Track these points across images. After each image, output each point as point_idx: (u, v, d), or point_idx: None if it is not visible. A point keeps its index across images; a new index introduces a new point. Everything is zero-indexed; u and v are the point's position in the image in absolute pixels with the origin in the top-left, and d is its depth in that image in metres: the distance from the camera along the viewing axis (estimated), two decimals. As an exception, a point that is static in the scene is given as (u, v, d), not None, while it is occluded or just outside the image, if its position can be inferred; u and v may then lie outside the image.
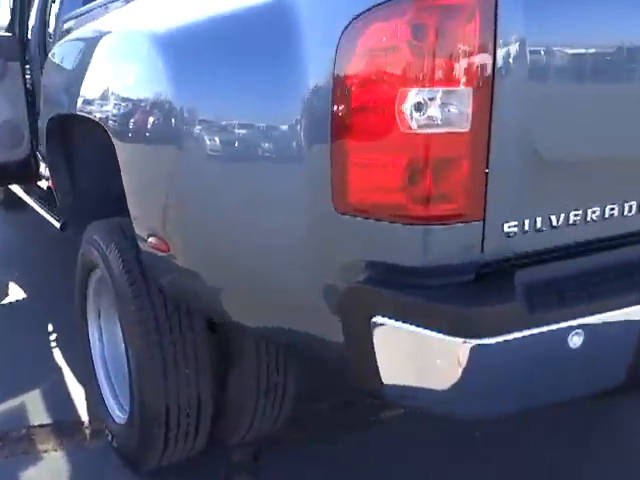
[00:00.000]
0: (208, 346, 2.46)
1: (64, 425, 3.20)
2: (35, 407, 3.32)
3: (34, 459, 2.95)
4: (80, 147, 3.08)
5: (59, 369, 3.65)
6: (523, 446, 2.87)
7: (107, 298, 2.79)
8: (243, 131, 1.89)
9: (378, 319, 1.59)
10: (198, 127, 1.96)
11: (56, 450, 3.01)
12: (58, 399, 3.40)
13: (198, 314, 2.43)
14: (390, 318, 1.58)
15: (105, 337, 3.09)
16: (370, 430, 2.99)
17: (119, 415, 2.82)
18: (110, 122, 2.33)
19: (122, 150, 2.29)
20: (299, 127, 1.66)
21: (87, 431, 3.13)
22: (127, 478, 2.77)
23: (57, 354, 3.79)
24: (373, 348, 1.61)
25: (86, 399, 3.34)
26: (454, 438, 2.85)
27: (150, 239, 2.21)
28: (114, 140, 2.30)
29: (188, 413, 2.48)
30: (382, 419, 3.01)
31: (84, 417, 3.24)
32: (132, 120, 2.24)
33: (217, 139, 1.95)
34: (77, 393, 3.42)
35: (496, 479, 2.69)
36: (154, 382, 2.39)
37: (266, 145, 1.80)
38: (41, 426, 3.19)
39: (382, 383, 1.64)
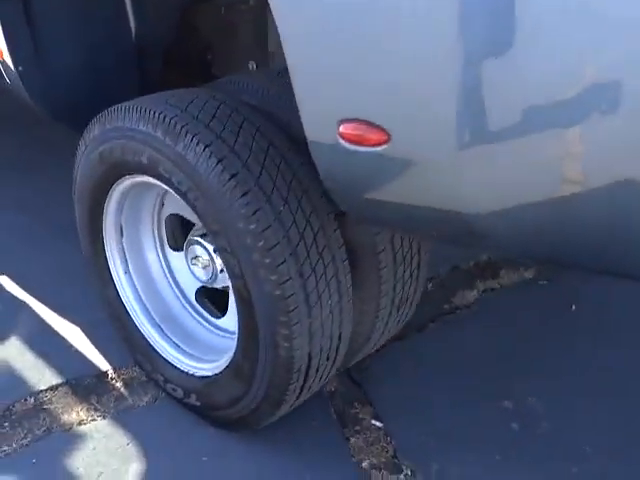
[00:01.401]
0: (349, 272, 1.90)
1: (82, 384, 2.51)
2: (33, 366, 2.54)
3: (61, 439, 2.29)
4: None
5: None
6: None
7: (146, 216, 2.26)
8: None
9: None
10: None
11: (84, 422, 2.34)
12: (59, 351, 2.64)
13: (337, 235, 1.85)
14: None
15: (134, 268, 2.36)
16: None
17: (196, 366, 2.20)
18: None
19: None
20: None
21: (119, 386, 2.48)
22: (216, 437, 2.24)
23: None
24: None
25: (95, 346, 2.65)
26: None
27: (343, 127, 1.49)
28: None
29: (328, 355, 1.95)
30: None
31: (104, 368, 2.56)
32: None
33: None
34: (75, 340, 2.69)
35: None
36: (294, 324, 1.80)
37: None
38: (52, 389, 2.48)
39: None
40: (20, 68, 2.32)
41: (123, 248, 2.34)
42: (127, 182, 2.11)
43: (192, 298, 2.42)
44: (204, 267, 2.19)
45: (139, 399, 2.44)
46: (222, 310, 2.36)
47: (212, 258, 2.14)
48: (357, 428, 2.32)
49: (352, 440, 2.27)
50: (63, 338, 2.71)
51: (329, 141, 1.49)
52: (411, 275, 2.15)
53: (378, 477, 2.15)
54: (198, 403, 2.21)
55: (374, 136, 1.40)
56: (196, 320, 2.39)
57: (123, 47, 2.52)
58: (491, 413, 2.36)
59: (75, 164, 2.25)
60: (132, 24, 2.54)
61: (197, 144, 1.80)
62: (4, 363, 2.59)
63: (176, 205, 2.31)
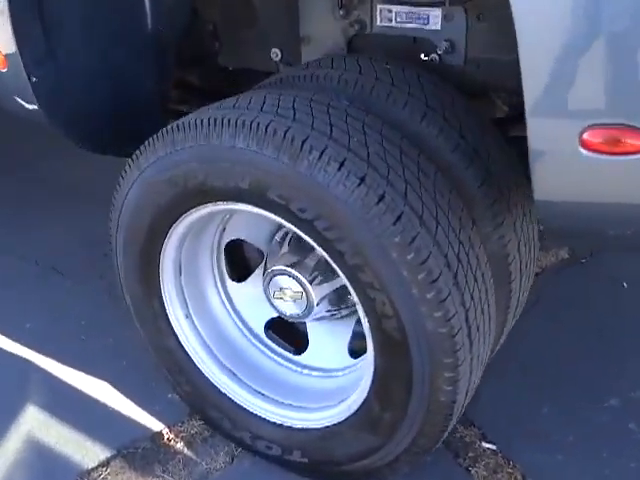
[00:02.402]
0: (493, 292, 1.63)
1: (137, 452, 2.09)
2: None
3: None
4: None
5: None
6: None
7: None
8: None
9: None
10: None
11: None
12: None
13: (482, 251, 1.58)
14: None
15: (196, 310, 1.97)
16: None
17: (295, 417, 1.86)
18: None
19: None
20: None
21: (182, 448, 2.08)
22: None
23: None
24: None
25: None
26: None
27: (587, 135, 1.20)
28: None
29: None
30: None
31: (156, 428, 2.16)
32: None
33: None
34: (109, 398, 2.26)
35: None
36: (460, 364, 1.52)
37: None
38: (103, 465, 2.05)
39: None
40: (33, 79, 1.84)
41: (182, 289, 1.95)
42: (203, 211, 1.73)
43: (263, 335, 2.08)
44: (294, 300, 1.86)
45: (212, 461, 2.07)
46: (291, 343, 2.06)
47: (307, 290, 1.82)
48: (471, 455, 2.07)
49: (473, 471, 2.03)
50: (93, 399, 2.27)
51: (566, 152, 1.22)
52: (527, 282, 1.93)
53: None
54: (304, 460, 1.88)
55: (634, 141, 1.15)
56: (272, 359, 2.04)
57: (141, 42, 2.09)
58: (603, 416, 2.20)
59: (119, 194, 1.83)
60: (148, 14, 2.11)
61: (328, 162, 1.47)
62: (35, 444, 2.12)
63: (242, 229, 1.96)
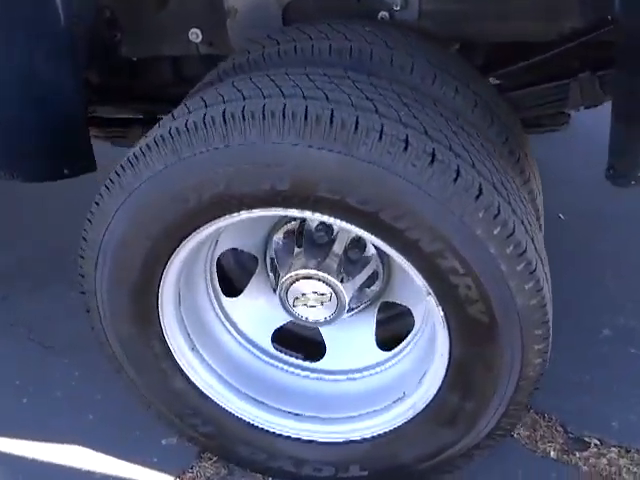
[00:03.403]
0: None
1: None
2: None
3: None
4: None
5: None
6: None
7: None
8: None
9: None
10: None
11: None
12: None
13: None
14: None
15: (199, 339, 1.68)
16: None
17: (342, 430, 1.63)
18: None
19: None
20: None
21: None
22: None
23: None
24: None
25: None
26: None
27: None
28: None
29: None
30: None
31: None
32: None
33: None
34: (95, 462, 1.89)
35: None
36: (548, 335, 1.41)
37: None
38: None
39: None
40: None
41: (183, 320, 1.66)
42: (214, 227, 1.45)
43: (271, 349, 1.84)
44: (322, 304, 1.64)
45: (249, 501, 1.83)
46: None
47: (337, 291, 1.60)
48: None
49: (515, 434, 1.95)
50: (73, 470, 1.90)
51: None
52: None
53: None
54: (363, 473, 1.69)
55: None
56: (293, 374, 1.81)
57: (57, 40, 1.69)
58: (603, 347, 2.20)
59: (94, 227, 1.48)
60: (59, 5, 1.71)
61: (391, 142, 1.26)
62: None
63: (236, 238, 1.70)
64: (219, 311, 1.78)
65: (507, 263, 1.34)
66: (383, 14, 1.83)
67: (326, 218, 1.38)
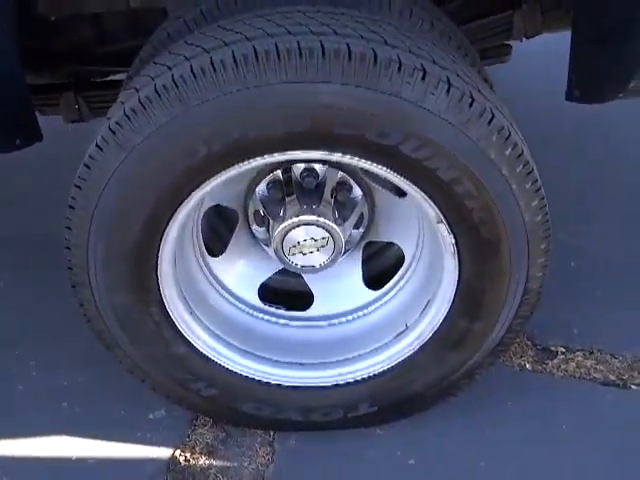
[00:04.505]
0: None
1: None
2: None
3: None
4: None
5: None
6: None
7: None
8: None
9: None
10: None
11: None
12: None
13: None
14: None
15: (194, 301, 1.62)
16: None
17: (349, 371, 1.65)
18: None
19: None
20: None
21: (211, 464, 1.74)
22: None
23: None
24: None
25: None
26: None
27: None
28: None
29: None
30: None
31: (163, 455, 1.76)
32: None
33: None
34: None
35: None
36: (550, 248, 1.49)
37: None
38: None
39: None
40: None
41: (179, 283, 1.58)
42: (222, 179, 1.38)
43: (259, 303, 1.80)
44: (318, 249, 1.63)
45: (253, 458, 1.77)
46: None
47: (333, 234, 1.60)
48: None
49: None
50: (62, 459, 1.77)
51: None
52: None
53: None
54: (373, 409, 1.72)
55: None
56: (282, 325, 1.79)
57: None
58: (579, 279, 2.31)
59: (87, 193, 1.36)
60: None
61: (412, 73, 1.26)
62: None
63: (219, 193, 1.64)
64: (206, 270, 1.73)
65: (517, 182, 1.40)
66: None
67: (337, 157, 1.38)
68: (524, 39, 2.00)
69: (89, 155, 1.37)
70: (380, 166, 1.38)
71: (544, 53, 2.54)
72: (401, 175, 1.39)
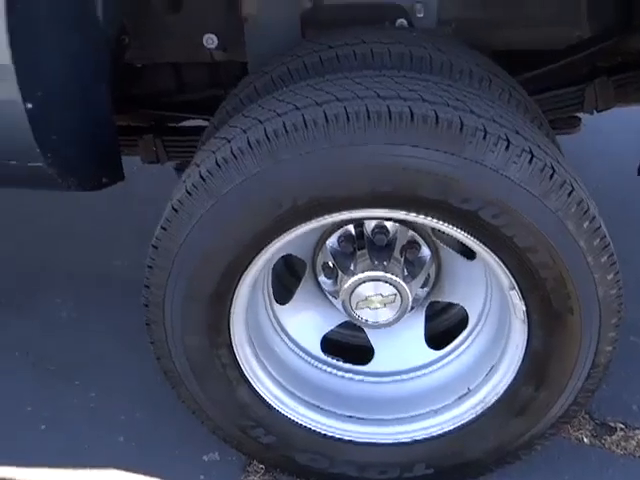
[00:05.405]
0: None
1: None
2: None
3: None
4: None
5: None
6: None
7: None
8: None
9: None
10: None
11: None
12: None
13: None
14: None
15: (260, 348, 1.65)
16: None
17: (408, 430, 1.65)
18: None
19: None
20: None
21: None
22: None
23: None
24: None
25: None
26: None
27: None
28: None
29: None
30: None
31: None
32: None
33: None
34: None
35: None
36: (620, 323, 1.49)
37: None
38: None
39: None
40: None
41: (248, 328, 1.62)
42: (301, 231, 1.43)
43: (321, 354, 1.82)
44: (385, 305, 1.65)
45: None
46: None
47: (401, 290, 1.62)
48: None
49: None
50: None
51: None
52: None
53: None
54: (429, 472, 1.71)
55: None
56: (343, 378, 1.80)
57: (96, 37, 1.61)
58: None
59: (172, 236, 1.43)
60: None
61: (496, 142, 1.30)
62: None
63: (291, 243, 1.66)
64: (272, 318, 1.76)
65: (593, 256, 1.41)
66: (401, 21, 1.89)
67: (412, 217, 1.41)
68: (595, 112, 2.04)
69: (178, 200, 1.43)
70: (457, 229, 1.41)
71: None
72: (477, 239, 1.42)
